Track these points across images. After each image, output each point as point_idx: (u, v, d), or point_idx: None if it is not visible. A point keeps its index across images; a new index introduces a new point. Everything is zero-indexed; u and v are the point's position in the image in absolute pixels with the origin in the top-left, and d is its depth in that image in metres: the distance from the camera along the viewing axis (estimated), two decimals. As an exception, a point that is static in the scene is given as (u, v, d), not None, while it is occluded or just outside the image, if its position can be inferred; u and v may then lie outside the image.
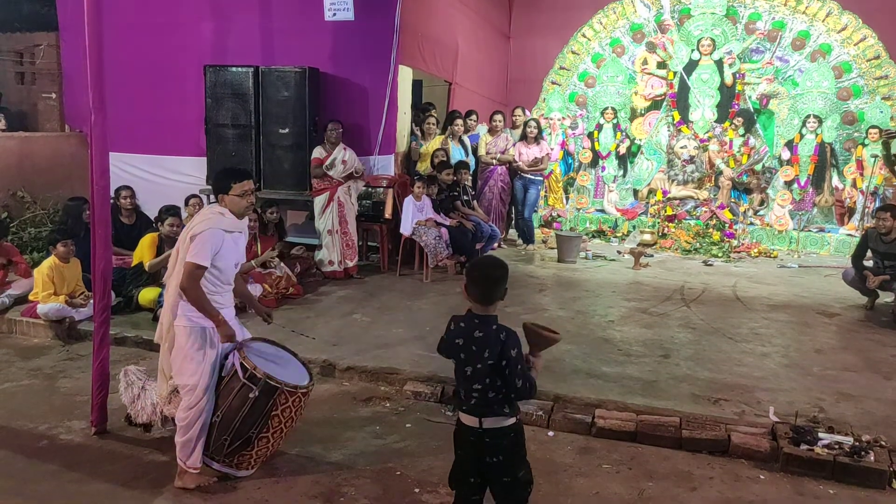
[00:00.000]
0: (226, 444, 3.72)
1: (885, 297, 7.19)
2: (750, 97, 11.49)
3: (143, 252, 6.47)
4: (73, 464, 3.98)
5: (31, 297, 6.32)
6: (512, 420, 2.91)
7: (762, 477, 4.03)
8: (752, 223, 11.08)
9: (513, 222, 10.47)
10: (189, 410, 3.68)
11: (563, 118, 12.29)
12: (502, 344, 2.81)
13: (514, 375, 2.81)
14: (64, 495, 3.65)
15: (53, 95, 10.14)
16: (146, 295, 6.44)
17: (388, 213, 8.43)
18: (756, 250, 10.31)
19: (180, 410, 3.73)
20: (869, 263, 7.36)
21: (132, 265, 6.60)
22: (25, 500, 3.59)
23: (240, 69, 8.30)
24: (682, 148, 11.57)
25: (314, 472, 3.94)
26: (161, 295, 6.16)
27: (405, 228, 8.05)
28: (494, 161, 9.73)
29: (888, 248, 7.07)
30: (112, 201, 6.89)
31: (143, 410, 4.14)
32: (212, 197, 8.06)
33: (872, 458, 4.02)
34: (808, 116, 11.00)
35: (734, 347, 5.94)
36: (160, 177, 9.07)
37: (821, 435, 4.23)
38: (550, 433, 4.48)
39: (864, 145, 10.63)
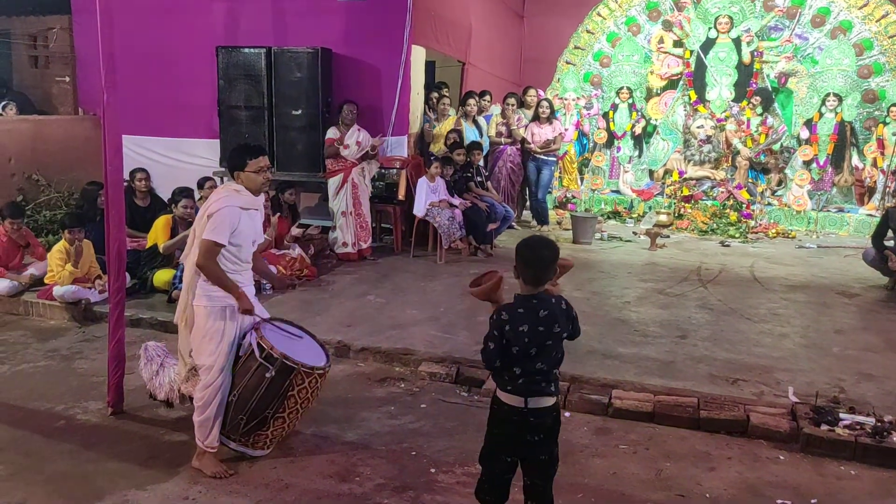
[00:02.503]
0: (242, 423, 3.72)
1: (906, 278, 7.10)
2: (768, 76, 11.30)
3: (158, 234, 6.47)
4: (90, 443, 4.00)
5: (46, 280, 6.35)
6: (553, 399, 2.91)
7: (782, 457, 3.99)
8: (769, 203, 10.92)
9: (527, 203, 10.40)
10: (206, 389, 3.68)
11: (578, 98, 12.12)
12: (568, 311, 2.92)
13: (575, 330, 3.00)
14: (81, 474, 3.67)
15: (67, 79, 10.14)
16: (161, 277, 6.45)
17: (401, 195, 8.39)
18: (774, 231, 10.19)
19: (197, 390, 3.73)
20: (890, 243, 7.26)
21: (147, 247, 6.61)
22: (44, 479, 3.61)
23: (252, 50, 8.25)
24: (698, 128, 11.41)
25: (329, 452, 3.94)
26: (175, 276, 6.18)
27: (419, 210, 8.01)
28: (503, 140, 9.63)
29: (910, 227, 6.97)
30: (126, 184, 6.91)
31: (161, 387, 4.16)
32: (226, 179, 8.13)
33: (895, 438, 3.96)
34: (828, 95, 10.80)
35: (752, 328, 5.88)
36: (174, 159, 9.07)
37: (842, 415, 4.18)
38: (567, 414, 4.43)
39: (885, 124, 10.43)
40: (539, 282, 2.87)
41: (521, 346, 2.82)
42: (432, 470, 3.77)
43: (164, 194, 7.23)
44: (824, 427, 4.08)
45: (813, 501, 3.55)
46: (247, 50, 8.28)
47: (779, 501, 3.55)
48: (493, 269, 3.07)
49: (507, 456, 2.95)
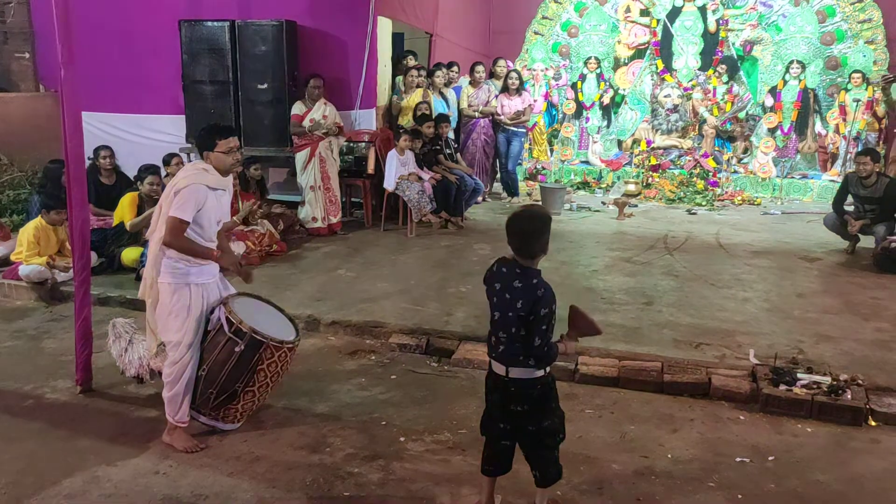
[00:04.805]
0: (212, 397, 3.74)
1: (865, 241, 7.25)
2: (733, 44, 11.39)
3: (124, 212, 6.41)
4: (60, 422, 4.00)
5: (13, 258, 6.27)
6: (540, 373, 2.89)
7: (742, 417, 4.11)
8: (735, 171, 11.08)
9: (497, 175, 10.43)
10: (174, 366, 3.69)
11: (547, 69, 12.14)
12: (537, 299, 2.77)
13: (536, 333, 2.78)
14: (51, 452, 3.67)
15: (27, 55, 9.91)
16: (128, 255, 6.39)
17: (370, 168, 8.36)
18: (740, 198, 10.35)
19: (166, 366, 3.74)
20: (850, 209, 7.41)
21: (113, 225, 6.55)
22: (12, 458, 3.61)
23: (215, 24, 8.12)
24: (665, 97, 11.50)
25: (300, 424, 3.98)
26: (143, 254, 6.14)
27: (389, 183, 8.00)
28: (477, 114, 9.64)
29: (868, 192, 7.12)
30: (91, 161, 6.82)
31: (131, 364, 4.17)
32: (192, 155, 8.05)
33: (849, 396, 4.10)
34: (792, 62, 10.94)
35: (716, 293, 6.00)
36: (139, 136, 8.93)
37: (799, 375, 4.31)
38: (534, 381, 4.52)
39: (846, 90, 10.60)
40: (520, 252, 2.85)
41: (490, 302, 2.87)
42: (402, 439, 3.83)
43: (130, 171, 7.14)
44: (783, 387, 4.20)
45: (770, 458, 3.67)
46: (210, 23, 8.14)
47: (738, 459, 3.67)
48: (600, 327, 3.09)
49: (500, 423, 2.99)
